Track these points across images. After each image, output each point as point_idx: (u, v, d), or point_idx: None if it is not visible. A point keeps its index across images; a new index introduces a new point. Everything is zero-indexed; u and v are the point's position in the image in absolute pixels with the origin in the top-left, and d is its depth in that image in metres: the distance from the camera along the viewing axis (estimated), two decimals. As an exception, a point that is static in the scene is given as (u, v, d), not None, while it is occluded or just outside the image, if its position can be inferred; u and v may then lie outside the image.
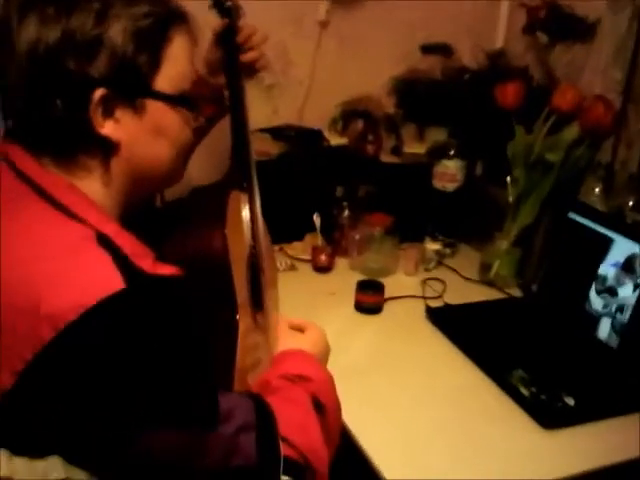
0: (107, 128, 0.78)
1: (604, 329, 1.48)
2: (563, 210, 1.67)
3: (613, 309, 1.46)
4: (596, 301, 1.51)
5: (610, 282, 1.48)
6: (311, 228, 1.89)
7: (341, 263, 1.86)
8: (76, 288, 0.70)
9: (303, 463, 0.82)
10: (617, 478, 1.18)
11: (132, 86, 0.79)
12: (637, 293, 1.42)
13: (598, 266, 1.52)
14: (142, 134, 0.81)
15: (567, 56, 1.87)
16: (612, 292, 1.47)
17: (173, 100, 0.82)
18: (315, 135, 1.96)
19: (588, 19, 1.80)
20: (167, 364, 0.73)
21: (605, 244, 1.51)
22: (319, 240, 1.84)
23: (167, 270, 0.79)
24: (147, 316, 0.73)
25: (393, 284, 1.70)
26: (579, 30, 1.79)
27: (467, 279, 1.84)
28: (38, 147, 0.80)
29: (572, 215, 1.64)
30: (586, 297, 1.54)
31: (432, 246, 1.88)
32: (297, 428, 0.84)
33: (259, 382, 0.94)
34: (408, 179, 1.99)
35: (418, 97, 2.14)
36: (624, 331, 1.43)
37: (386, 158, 2.05)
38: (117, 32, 0.76)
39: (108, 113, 0.78)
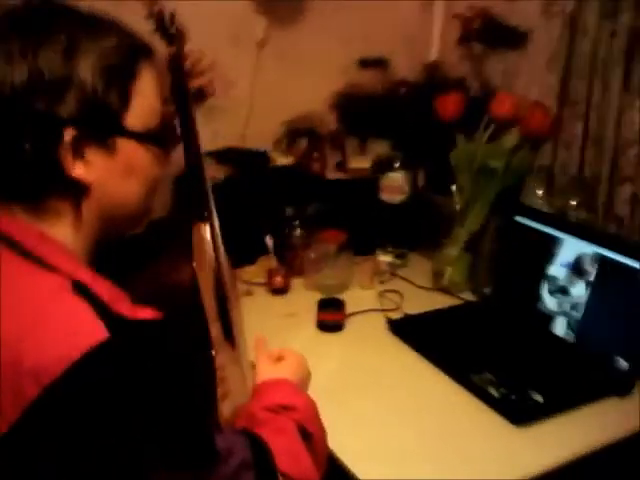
0: (78, 170, 0.75)
1: (560, 326, 1.53)
2: (509, 214, 1.72)
3: (567, 308, 1.52)
4: (549, 301, 1.56)
5: (562, 282, 1.54)
6: (263, 250, 1.88)
7: (297, 283, 1.85)
8: (58, 341, 0.67)
9: None
10: (594, 463, 1.23)
11: (103, 125, 0.76)
12: (589, 291, 1.47)
13: (548, 267, 1.57)
14: (113, 174, 0.78)
15: (501, 65, 1.93)
16: (564, 291, 1.53)
17: (144, 138, 0.80)
18: (260, 156, 1.96)
19: (520, 28, 1.86)
20: (160, 408, 0.71)
21: (553, 245, 1.57)
22: (273, 262, 1.83)
23: (147, 314, 0.77)
24: (135, 363, 0.70)
25: (351, 299, 1.70)
26: (512, 39, 1.85)
27: (421, 287, 1.87)
28: (3, 193, 0.77)
29: (519, 218, 1.68)
30: (539, 297, 1.58)
31: (384, 258, 1.90)
32: (290, 459, 0.84)
33: (243, 414, 0.92)
34: (355, 194, 2.00)
35: (358, 111, 2.18)
36: (579, 327, 1.49)
37: (332, 174, 2.07)
38: (86, 69, 0.73)
39: (78, 154, 0.75)
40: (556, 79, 1.70)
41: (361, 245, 1.89)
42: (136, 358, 0.70)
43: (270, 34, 2.11)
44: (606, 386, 1.38)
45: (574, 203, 1.64)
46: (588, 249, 1.49)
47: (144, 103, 0.80)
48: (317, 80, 2.18)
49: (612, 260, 1.44)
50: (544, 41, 1.76)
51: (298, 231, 1.89)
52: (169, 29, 1.11)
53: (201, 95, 1.22)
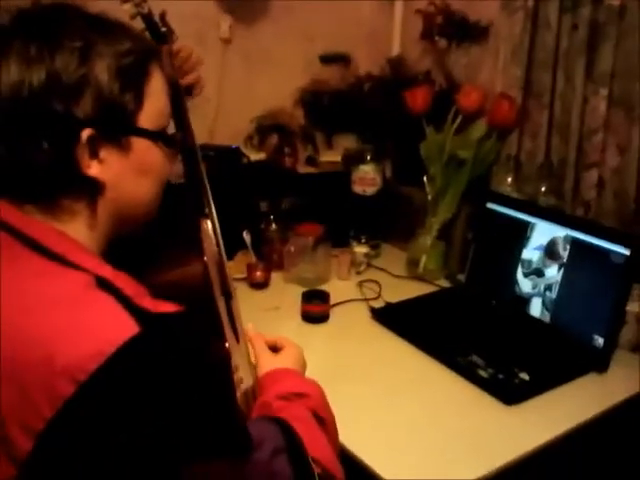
0: (93, 169, 0.76)
1: (536, 307, 1.60)
2: (481, 201, 1.78)
3: (542, 289, 1.58)
4: (524, 283, 1.63)
5: (535, 264, 1.61)
6: (240, 246, 1.89)
7: (276, 277, 1.87)
8: (91, 337, 0.67)
9: (330, 476, 0.84)
10: (582, 438, 1.29)
11: (118, 125, 0.77)
12: (562, 272, 1.55)
13: (522, 250, 1.64)
14: (128, 173, 0.80)
15: (464, 58, 1.99)
16: (539, 273, 1.60)
17: (157, 136, 0.82)
18: (234, 153, 1.97)
19: (481, 23, 1.93)
20: (196, 398, 0.73)
21: (526, 229, 1.63)
22: (252, 257, 1.85)
23: (170, 308, 0.78)
24: (167, 355, 0.71)
25: (331, 290, 1.72)
26: (474, 34, 1.91)
27: (397, 276, 1.92)
28: (19, 195, 0.77)
29: (490, 205, 1.75)
30: (514, 280, 1.65)
31: (360, 249, 1.94)
32: (313, 444, 0.87)
33: (258, 404, 0.95)
34: (327, 187, 2.04)
35: (323, 107, 2.21)
36: (554, 307, 1.56)
37: (303, 169, 2.10)
38: (102, 70, 0.74)
39: (94, 153, 0.76)
40: (520, 71, 1.76)
41: (337, 237, 1.93)
42: (166, 350, 0.71)
43: (235, 32, 2.13)
44: (585, 363, 1.45)
45: (543, 189, 1.71)
46: (560, 232, 1.56)
47: (156, 103, 0.81)
48: (282, 77, 2.21)
49: (583, 242, 1.51)
50: (505, 35, 1.82)
51: (274, 225, 1.91)
52: (159, 28, 1.11)
53: (190, 93, 1.23)
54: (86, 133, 0.74)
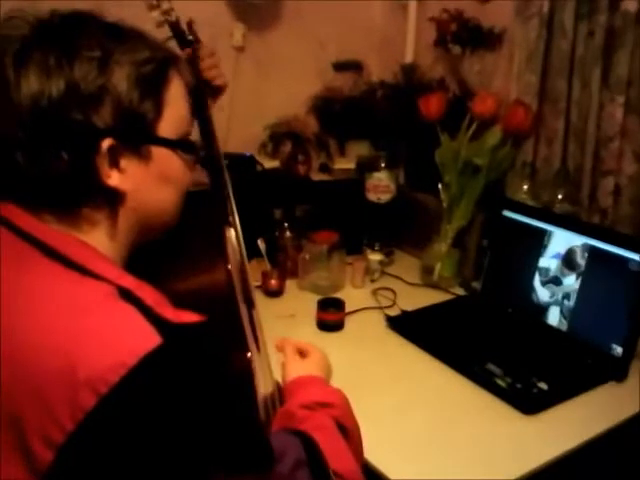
0: (114, 179, 0.76)
1: (553, 316, 1.59)
2: (497, 209, 1.77)
3: (560, 297, 1.57)
4: (542, 292, 1.62)
5: (553, 273, 1.59)
6: (254, 254, 1.89)
7: (290, 284, 1.87)
8: (113, 348, 0.67)
9: None
10: (602, 448, 1.28)
11: (138, 134, 0.77)
12: (580, 280, 1.54)
13: (539, 259, 1.63)
14: (148, 182, 0.80)
15: (478, 65, 1.99)
16: (557, 282, 1.58)
17: (177, 145, 0.81)
18: (248, 160, 1.97)
19: (495, 29, 1.92)
20: (218, 411, 0.72)
21: (543, 237, 1.62)
22: (266, 265, 1.85)
23: (191, 317, 0.77)
24: (190, 367, 0.71)
25: (345, 298, 1.72)
26: (488, 40, 1.91)
27: (412, 284, 1.91)
28: (36, 203, 0.76)
29: (507, 213, 1.74)
30: (531, 289, 1.64)
31: (374, 257, 1.94)
32: (335, 455, 0.86)
33: (281, 413, 0.94)
34: (341, 194, 2.04)
35: (336, 114, 2.21)
36: (572, 316, 1.55)
37: (317, 176, 2.10)
38: (121, 79, 0.74)
39: (114, 163, 0.75)
40: (535, 78, 1.76)
41: (351, 245, 1.92)
42: (189, 362, 0.70)
43: (248, 40, 2.13)
44: (604, 372, 1.44)
45: (560, 196, 1.70)
46: (578, 240, 1.55)
47: (176, 111, 0.81)
48: (295, 84, 2.21)
49: (601, 250, 1.50)
50: (519, 41, 1.81)
51: (288, 233, 1.91)
52: (186, 36, 1.12)
53: (214, 91, 1.23)
54: (106, 143, 0.74)
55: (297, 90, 2.17)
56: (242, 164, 1.96)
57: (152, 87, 0.77)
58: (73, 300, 0.71)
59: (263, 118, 2.13)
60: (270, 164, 2.05)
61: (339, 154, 2.24)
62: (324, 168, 2.13)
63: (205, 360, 0.73)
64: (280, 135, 2.04)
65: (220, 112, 2.10)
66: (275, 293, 1.82)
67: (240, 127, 2.14)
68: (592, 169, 1.68)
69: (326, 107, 2.22)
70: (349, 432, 0.94)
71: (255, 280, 1.84)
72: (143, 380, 0.66)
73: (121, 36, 0.78)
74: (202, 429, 0.70)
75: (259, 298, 1.79)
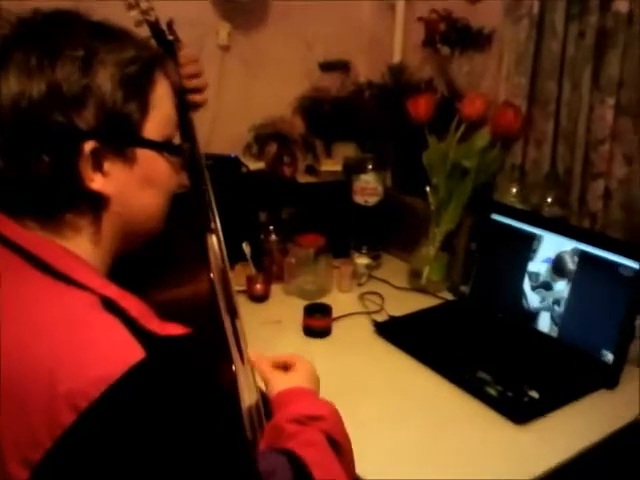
0: (97, 182, 0.73)
1: (544, 322, 1.56)
2: (485, 212, 1.75)
3: (550, 302, 1.55)
4: (532, 297, 1.59)
5: (543, 277, 1.57)
6: (239, 258, 1.85)
7: (276, 289, 1.83)
8: (95, 362, 0.64)
9: None
10: (594, 458, 1.25)
11: (122, 136, 0.74)
12: (570, 285, 1.51)
13: (529, 263, 1.60)
14: (133, 186, 0.77)
15: (467, 66, 1.96)
16: (547, 287, 1.56)
17: (163, 147, 0.78)
18: (232, 162, 1.93)
19: (484, 30, 1.90)
20: (202, 430, 0.69)
21: (533, 241, 1.60)
22: (251, 269, 1.81)
23: (176, 329, 0.74)
24: (173, 382, 0.68)
25: (332, 303, 1.68)
26: (478, 40, 1.88)
27: (399, 288, 1.88)
28: (19, 209, 0.74)
29: (495, 216, 1.71)
30: (521, 293, 1.61)
31: (362, 260, 1.90)
32: (323, 471, 0.83)
33: (269, 428, 0.91)
34: (328, 197, 2.00)
35: (323, 115, 2.18)
36: (563, 322, 1.52)
37: (303, 178, 2.06)
38: (105, 80, 0.71)
39: (97, 166, 0.73)
40: (525, 79, 1.73)
41: (338, 248, 1.89)
42: (174, 377, 0.68)
43: (234, 39, 2.10)
44: (595, 379, 1.42)
45: (549, 200, 1.67)
46: (567, 245, 1.52)
47: (161, 112, 0.78)
48: (281, 84, 2.17)
49: (592, 255, 1.48)
50: (508, 42, 1.79)
51: (273, 236, 1.87)
52: (166, 36, 1.08)
53: (195, 104, 1.20)
54: (89, 145, 0.71)
55: (284, 90, 2.13)
56: (227, 165, 1.92)
57: (137, 88, 0.75)
58: (56, 311, 0.68)
59: (249, 119, 2.09)
60: (255, 166, 2.02)
61: (326, 155, 2.21)
62: (310, 170, 2.10)
63: (190, 375, 0.70)
64: (265, 136, 2.01)
65: (205, 112, 2.09)
66: (260, 298, 1.78)
67: (225, 128, 2.10)
68: (582, 172, 1.66)
69: (313, 108, 2.18)
70: (340, 446, 0.91)
71: (240, 285, 1.81)
72: (124, 395, 0.63)
73: (105, 35, 0.75)
74: (185, 448, 0.66)
75: (244, 303, 1.77)
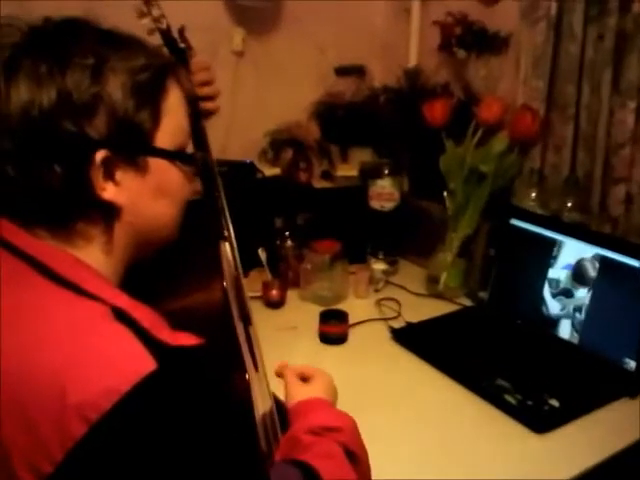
0: (109, 192, 0.72)
1: (564, 329, 1.53)
2: (504, 217, 1.72)
3: (571, 310, 1.52)
4: (553, 304, 1.57)
5: (564, 284, 1.54)
6: (254, 264, 1.84)
7: (292, 295, 1.82)
8: (105, 373, 0.63)
9: None
10: (615, 469, 1.22)
11: (134, 145, 0.73)
12: (591, 292, 1.49)
13: (549, 269, 1.58)
14: (145, 195, 0.76)
15: (483, 70, 1.94)
16: (568, 294, 1.53)
17: (176, 156, 0.77)
18: (248, 168, 1.92)
19: (501, 33, 1.88)
20: (215, 442, 0.68)
21: (553, 247, 1.57)
22: (267, 275, 1.80)
23: (189, 340, 0.73)
24: (185, 394, 0.67)
25: (348, 309, 1.67)
26: (494, 44, 1.86)
27: (417, 294, 1.86)
28: (29, 218, 0.73)
29: (514, 221, 1.69)
30: (541, 300, 1.59)
31: (378, 266, 1.89)
32: None
33: (286, 439, 0.89)
34: (344, 202, 1.99)
35: (338, 120, 2.17)
36: (584, 329, 1.49)
37: (318, 183, 2.05)
38: (115, 88, 0.71)
39: (109, 175, 0.72)
40: (543, 83, 1.71)
41: (354, 254, 1.87)
42: (186, 389, 0.67)
43: (248, 45, 2.09)
44: (617, 388, 1.39)
45: (569, 205, 1.65)
46: (588, 250, 1.50)
47: (174, 121, 0.77)
48: (296, 89, 2.17)
49: (613, 260, 1.45)
50: (525, 45, 1.77)
51: (289, 242, 1.86)
52: (178, 44, 1.07)
53: (207, 112, 1.19)
54: (100, 154, 0.70)
55: (298, 95, 2.12)
56: (242, 171, 1.91)
57: (149, 96, 0.74)
58: (67, 321, 0.67)
59: (264, 124, 2.08)
60: (271, 171, 2.01)
61: (341, 161, 2.19)
62: (326, 175, 2.09)
63: (202, 386, 0.69)
64: (281, 142, 2.00)
65: (219, 118, 2.09)
66: (276, 304, 1.77)
67: (240, 133, 2.10)
68: (602, 177, 1.63)
69: (328, 113, 2.17)
70: (357, 458, 0.89)
71: (256, 291, 1.80)
72: (135, 407, 0.62)
73: (116, 43, 0.74)
74: (197, 461, 0.65)
75: (259, 309, 1.76)
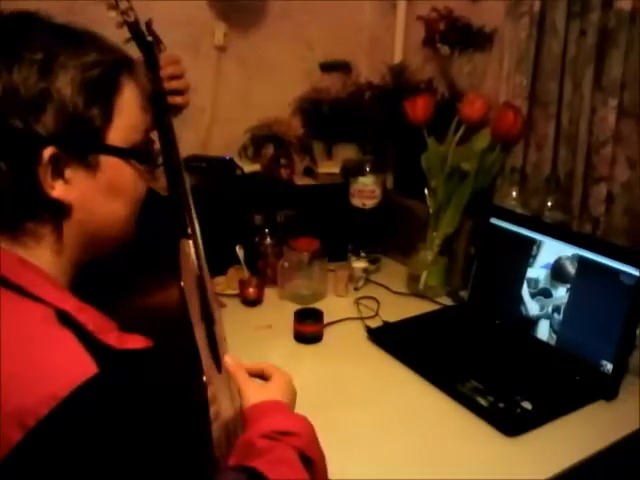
0: (58, 190, 0.71)
1: (542, 330, 1.51)
2: (485, 216, 1.70)
3: (549, 310, 1.50)
4: (531, 304, 1.54)
5: (543, 284, 1.52)
6: (232, 261, 1.82)
7: (270, 293, 1.80)
8: (44, 378, 0.61)
9: None
10: (589, 473, 1.20)
11: (84, 142, 0.72)
12: (569, 293, 1.46)
13: (528, 269, 1.55)
14: (96, 194, 0.74)
15: (468, 66, 1.91)
16: (546, 294, 1.51)
17: (128, 154, 0.76)
18: (227, 164, 1.90)
19: (485, 29, 1.85)
20: (154, 449, 0.66)
21: (532, 246, 1.55)
22: (245, 272, 1.78)
23: (136, 343, 0.71)
24: (125, 399, 0.65)
25: (326, 308, 1.64)
26: (478, 40, 1.84)
27: (397, 293, 1.84)
28: None
29: (494, 220, 1.67)
30: (520, 300, 1.56)
31: (359, 264, 1.86)
32: None
33: (240, 443, 0.87)
34: (325, 199, 1.96)
35: (323, 116, 2.14)
36: (561, 330, 1.47)
37: (300, 180, 2.03)
38: (65, 84, 0.69)
39: (58, 173, 0.70)
40: (526, 79, 1.69)
41: (334, 252, 1.85)
42: (127, 394, 0.65)
43: (230, 39, 2.06)
44: (593, 390, 1.37)
45: (550, 204, 1.62)
46: (568, 250, 1.47)
47: (127, 118, 0.76)
48: (279, 85, 2.14)
49: (592, 261, 1.43)
50: (509, 41, 1.74)
51: (268, 239, 1.84)
52: (145, 37, 1.05)
53: (177, 108, 1.17)
54: (48, 151, 0.69)
55: (282, 91, 2.09)
56: (221, 168, 1.89)
57: (100, 92, 0.72)
58: (7, 325, 0.65)
59: (246, 120, 2.06)
60: (251, 168, 1.99)
61: (326, 157, 2.17)
62: (308, 172, 2.06)
63: (144, 391, 0.67)
64: (262, 138, 1.97)
65: (201, 114, 2.07)
66: (253, 302, 1.75)
67: (222, 130, 2.08)
68: (584, 176, 1.60)
69: (313, 109, 2.14)
70: (314, 464, 0.87)
71: (232, 289, 1.78)
72: (72, 413, 0.61)
73: (68, 38, 0.73)
74: (134, 467, 0.63)
75: (236, 307, 1.74)
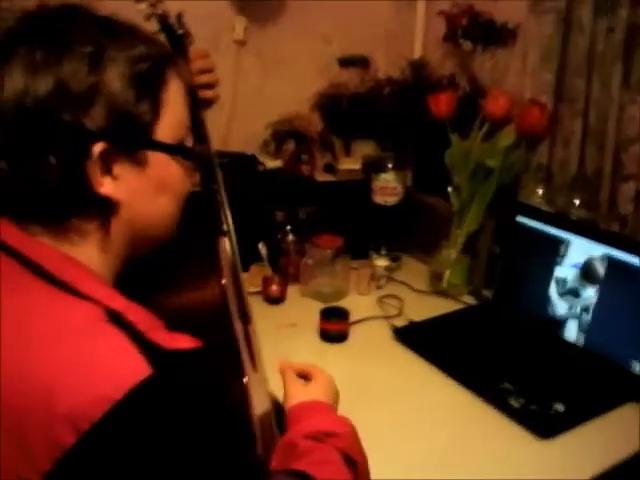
0: (106, 186, 0.69)
1: (571, 330, 1.50)
2: (510, 214, 1.68)
3: (578, 310, 1.48)
4: (560, 304, 1.53)
5: (571, 284, 1.51)
6: (254, 258, 1.81)
7: (292, 291, 1.79)
8: (97, 380, 0.60)
9: None
10: (624, 474, 1.19)
11: (133, 138, 0.70)
12: (599, 292, 1.45)
13: (556, 268, 1.54)
14: (144, 190, 0.73)
15: (489, 62, 1.90)
16: (575, 293, 1.50)
17: (176, 150, 0.74)
18: (249, 160, 1.89)
19: (508, 24, 1.83)
20: (212, 450, 0.65)
21: (560, 245, 1.54)
22: (267, 270, 1.77)
23: (186, 343, 0.70)
24: (181, 402, 0.64)
25: (350, 306, 1.64)
26: (501, 36, 1.82)
27: (419, 291, 1.83)
28: (22, 213, 0.70)
29: (520, 218, 1.65)
30: (547, 300, 1.55)
31: (381, 262, 1.85)
32: None
33: (283, 443, 0.86)
34: (346, 196, 1.95)
35: (341, 112, 2.12)
36: (591, 330, 1.46)
37: (321, 177, 2.01)
38: (114, 78, 0.67)
39: (107, 169, 0.69)
40: (551, 76, 1.67)
41: (356, 249, 1.84)
42: (182, 396, 0.64)
43: (250, 34, 2.05)
44: (623, 392, 1.35)
45: (576, 202, 1.61)
46: (597, 249, 1.46)
47: (173, 113, 0.74)
48: (299, 80, 2.12)
49: (622, 260, 1.42)
50: (533, 37, 1.72)
51: (290, 236, 1.83)
52: (176, 30, 1.03)
53: (206, 101, 1.15)
54: (98, 147, 0.67)
55: (301, 86, 2.08)
56: (243, 164, 1.88)
57: (148, 87, 0.71)
58: (57, 324, 0.64)
59: (266, 116, 2.04)
60: (272, 164, 1.97)
61: (345, 154, 2.15)
62: (329, 168, 2.05)
63: (198, 393, 0.66)
64: (283, 134, 1.96)
65: (220, 109, 2.04)
66: (276, 300, 1.74)
67: (242, 125, 2.06)
68: (611, 173, 1.59)
69: (331, 104, 2.13)
70: (357, 464, 0.86)
71: (255, 286, 1.76)
72: (128, 416, 0.59)
73: (114, 30, 0.71)
74: (191, 471, 0.62)
75: (259, 305, 1.73)
